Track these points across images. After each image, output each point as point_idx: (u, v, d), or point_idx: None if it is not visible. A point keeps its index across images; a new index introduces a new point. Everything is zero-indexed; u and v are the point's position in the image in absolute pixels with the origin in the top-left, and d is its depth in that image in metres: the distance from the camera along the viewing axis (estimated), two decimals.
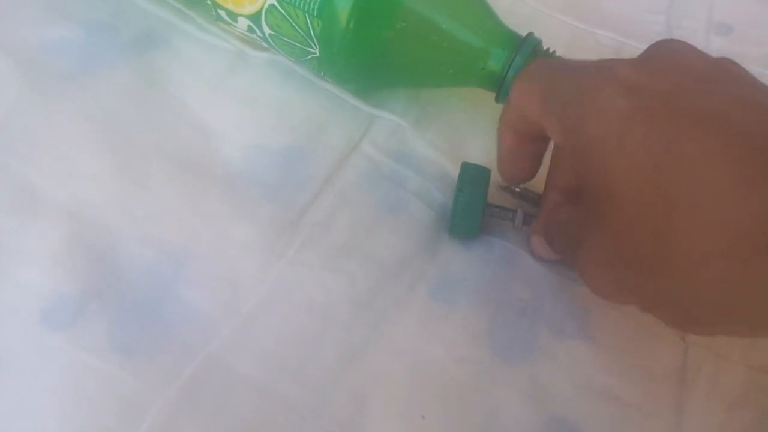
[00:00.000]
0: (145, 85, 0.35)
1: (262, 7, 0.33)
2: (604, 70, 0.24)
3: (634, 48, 0.41)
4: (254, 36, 0.35)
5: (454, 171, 0.34)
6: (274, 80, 0.36)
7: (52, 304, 0.27)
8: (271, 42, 0.35)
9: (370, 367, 0.27)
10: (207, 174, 0.32)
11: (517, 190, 0.33)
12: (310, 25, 0.32)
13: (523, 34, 0.33)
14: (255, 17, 0.33)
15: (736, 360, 0.28)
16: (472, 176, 0.31)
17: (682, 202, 0.21)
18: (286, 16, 0.32)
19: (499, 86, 0.33)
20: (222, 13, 0.35)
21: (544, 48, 0.33)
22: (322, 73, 0.35)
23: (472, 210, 0.31)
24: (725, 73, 0.23)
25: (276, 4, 0.32)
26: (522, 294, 0.30)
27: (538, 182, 0.31)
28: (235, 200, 0.31)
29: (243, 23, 0.34)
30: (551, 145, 0.30)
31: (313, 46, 0.33)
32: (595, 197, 0.24)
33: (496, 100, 0.33)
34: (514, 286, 0.30)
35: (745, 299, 0.21)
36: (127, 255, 0.29)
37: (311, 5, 0.31)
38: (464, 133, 0.36)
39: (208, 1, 0.34)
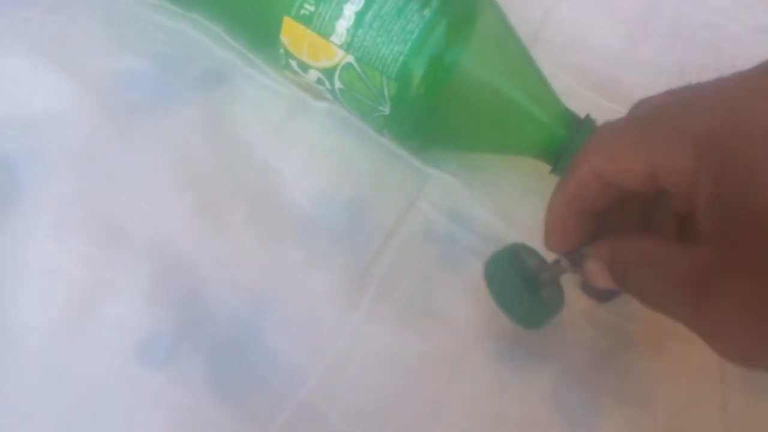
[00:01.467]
0: (214, 124, 0.36)
1: (339, 63, 0.34)
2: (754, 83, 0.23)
3: None
4: (321, 87, 0.36)
5: (505, 233, 0.36)
6: (334, 129, 0.38)
7: (147, 341, 0.28)
8: (339, 96, 0.36)
9: (449, 424, 0.29)
10: (279, 218, 0.33)
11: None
12: (385, 86, 0.34)
13: None
14: (328, 71, 0.35)
15: None
16: (495, 274, 0.30)
17: None
18: (362, 75, 0.34)
19: (556, 161, 0.35)
20: (293, 63, 0.36)
21: None
22: (384, 131, 0.37)
23: (517, 303, 0.30)
24: None
25: (354, 63, 0.34)
26: (582, 359, 0.32)
27: None
28: (308, 246, 0.32)
29: (313, 75, 0.36)
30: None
31: (384, 105, 0.34)
32: (745, 237, 0.21)
33: (552, 172, 0.36)
34: (574, 350, 0.32)
35: None
36: (213, 297, 0.30)
37: (390, 69, 0.33)
38: (513, 196, 0.38)
39: (281, 50, 0.36)
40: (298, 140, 0.37)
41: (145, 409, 0.26)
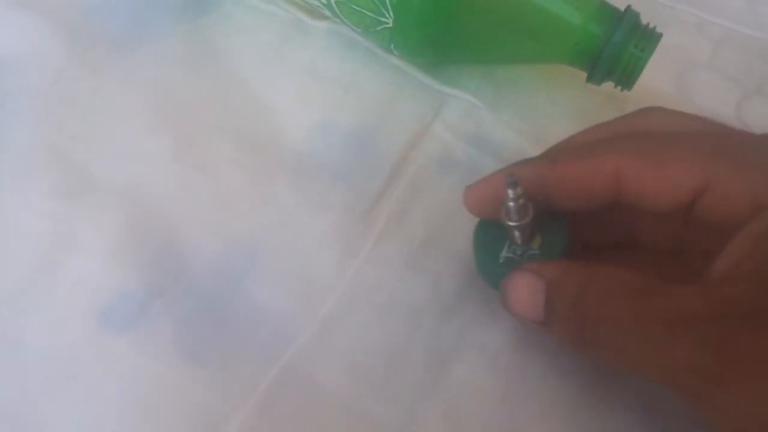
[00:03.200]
0: (199, 55, 0.32)
1: None
2: None
3: (716, 25, 0.37)
4: (316, 3, 0.32)
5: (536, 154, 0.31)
6: (335, 52, 0.33)
7: (112, 303, 0.24)
8: (337, 10, 0.31)
9: (463, 378, 0.24)
10: (271, 155, 0.29)
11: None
12: None
13: None
14: None
15: None
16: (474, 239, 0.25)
17: None
18: None
19: (593, 65, 0.29)
20: None
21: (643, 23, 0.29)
22: (392, 46, 0.32)
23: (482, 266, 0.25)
24: None
25: None
26: None
27: None
28: (304, 186, 0.28)
29: None
30: None
31: (387, 15, 0.29)
32: None
33: (588, 79, 0.30)
34: None
35: None
36: (192, 248, 0.26)
37: None
38: (545, 114, 0.32)
39: None
40: (294, 67, 0.32)
41: (108, 379, 0.23)
